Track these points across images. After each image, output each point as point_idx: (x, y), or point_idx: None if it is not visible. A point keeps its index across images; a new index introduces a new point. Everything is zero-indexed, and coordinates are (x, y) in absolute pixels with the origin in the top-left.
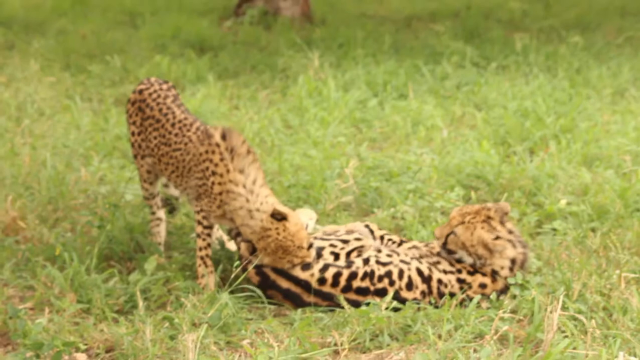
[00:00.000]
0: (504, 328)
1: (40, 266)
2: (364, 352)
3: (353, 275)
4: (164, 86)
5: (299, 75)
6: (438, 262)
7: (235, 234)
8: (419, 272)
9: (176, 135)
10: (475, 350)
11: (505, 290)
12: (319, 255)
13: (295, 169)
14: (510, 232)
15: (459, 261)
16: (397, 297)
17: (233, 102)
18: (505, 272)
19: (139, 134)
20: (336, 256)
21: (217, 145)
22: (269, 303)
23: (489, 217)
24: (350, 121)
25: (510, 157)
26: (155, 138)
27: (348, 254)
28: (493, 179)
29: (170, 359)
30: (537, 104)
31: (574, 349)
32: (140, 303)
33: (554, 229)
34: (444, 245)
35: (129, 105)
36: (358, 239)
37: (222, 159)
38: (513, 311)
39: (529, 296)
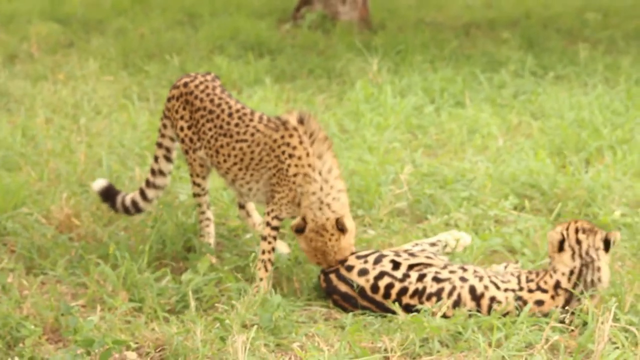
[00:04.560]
0: (555, 338)
1: (93, 264)
2: (414, 358)
3: (403, 291)
4: (208, 77)
5: (356, 80)
6: (507, 281)
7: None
8: (471, 290)
9: (237, 125)
10: (525, 359)
11: (566, 305)
12: (377, 261)
13: (350, 173)
14: (579, 242)
15: (530, 280)
16: None
17: (289, 106)
18: (564, 283)
19: (189, 127)
20: (396, 264)
21: (295, 129)
22: (320, 306)
23: (575, 222)
24: (406, 127)
25: (565, 167)
26: (210, 130)
27: (410, 267)
28: (548, 189)
29: (220, 359)
30: (594, 115)
31: None
32: (192, 303)
33: None
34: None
35: (174, 101)
36: (428, 257)
37: (301, 142)
38: (564, 321)
39: (582, 307)
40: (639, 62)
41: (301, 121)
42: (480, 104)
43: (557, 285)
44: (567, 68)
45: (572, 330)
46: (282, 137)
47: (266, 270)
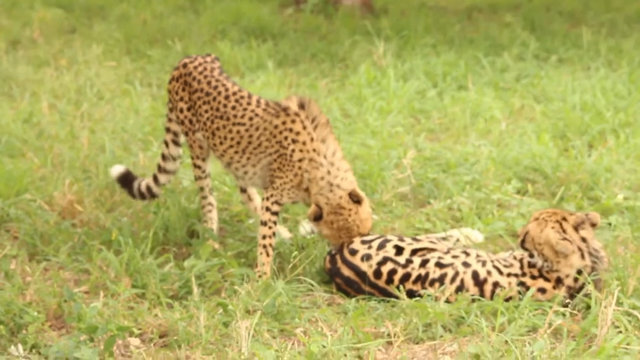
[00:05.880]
0: (558, 322)
1: (96, 250)
2: (417, 343)
3: (406, 277)
4: (208, 59)
5: (359, 65)
6: (510, 265)
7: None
8: (474, 275)
9: (234, 108)
10: (528, 344)
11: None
12: (381, 247)
13: (352, 158)
14: (584, 240)
15: (532, 265)
16: None
17: (292, 90)
18: (569, 282)
19: (188, 109)
20: (399, 250)
21: (297, 114)
22: (324, 292)
23: (564, 219)
24: (409, 111)
25: (568, 151)
26: (206, 112)
27: (414, 252)
28: (550, 172)
29: (224, 345)
30: (596, 98)
31: (628, 344)
32: (195, 289)
33: (610, 224)
34: (522, 242)
35: (174, 82)
36: (432, 242)
37: (304, 127)
38: (567, 305)
39: (585, 291)
40: None
41: (302, 106)
42: (483, 88)
43: (559, 280)
44: (569, 51)
45: (575, 315)
46: (284, 122)
47: (267, 255)
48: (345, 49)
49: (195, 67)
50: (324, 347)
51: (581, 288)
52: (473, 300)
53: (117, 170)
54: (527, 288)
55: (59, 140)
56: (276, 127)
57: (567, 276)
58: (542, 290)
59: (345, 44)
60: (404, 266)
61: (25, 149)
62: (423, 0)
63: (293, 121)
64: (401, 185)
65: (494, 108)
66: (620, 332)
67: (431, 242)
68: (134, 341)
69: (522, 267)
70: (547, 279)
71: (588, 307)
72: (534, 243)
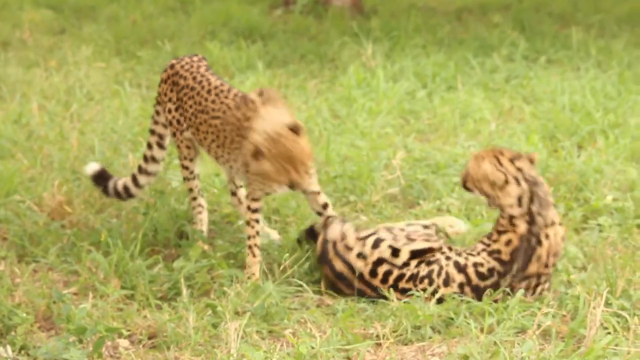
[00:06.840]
0: (547, 323)
1: (85, 251)
2: (406, 344)
3: (400, 277)
4: (195, 58)
5: (349, 65)
6: (475, 248)
7: None
8: (456, 265)
9: (213, 102)
10: (517, 344)
11: (529, 235)
12: (375, 246)
13: (342, 159)
14: (519, 169)
15: (489, 236)
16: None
17: (281, 91)
18: (514, 211)
19: (176, 109)
20: (394, 251)
21: (253, 102)
22: (313, 292)
23: (500, 153)
24: (398, 112)
25: (557, 152)
26: (190, 107)
27: (413, 255)
28: (540, 173)
29: (213, 346)
30: (586, 99)
31: (616, 345)
32: (184, 290)
33: (600, 225)
34: (464, 184)
35: (162, 84)
36: (426, 240)
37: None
38: (556, 306)
39: (573, 292)
40: (631, 46)
41: (260, 94)
42: (473, 89)
43: (512, 218)
44: (559, 52)
45: (564, 316)
46: (244, 113)
47: (254, 255)
48: (335, 49)
49: (182, 66)
50: (312, 348)
51: (530, 212)
52: (462, 301)
53: (92, 168)
54: (497, 251)
55: (48, 141)
56: (238, 119)
57: (511, 206)
58: (508, 242)
59: (335, 44)
60: (400, 268)
61: (14, 150)
62: (412, 1)
63: (252, 110)
64: (390, 186)
65: (483, 109)
66: (609, 333)
67: (425, 240)
68: (123, 342)
69: (482, 242)
70: (504, 232)
71: (577, 308)
72: (474, 181)
